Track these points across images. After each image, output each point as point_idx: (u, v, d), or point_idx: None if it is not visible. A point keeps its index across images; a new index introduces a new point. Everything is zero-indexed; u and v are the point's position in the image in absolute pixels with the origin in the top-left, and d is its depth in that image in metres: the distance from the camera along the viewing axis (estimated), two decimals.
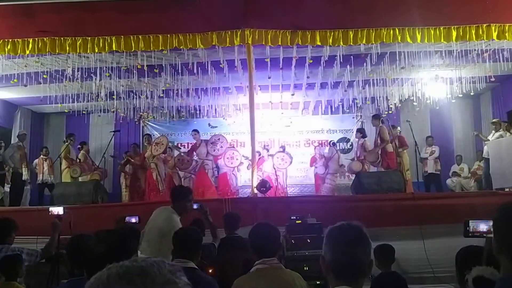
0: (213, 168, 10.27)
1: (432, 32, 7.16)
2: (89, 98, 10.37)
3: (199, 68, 8.83)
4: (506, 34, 7.16)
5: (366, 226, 1.78)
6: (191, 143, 12.16)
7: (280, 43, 7.31)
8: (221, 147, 9.90)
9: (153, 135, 12.97)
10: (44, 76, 8.78)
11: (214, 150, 9.81)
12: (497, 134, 9.25)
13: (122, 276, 0.82)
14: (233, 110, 12.28)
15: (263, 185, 7.81)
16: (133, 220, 4.49)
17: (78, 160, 10.14)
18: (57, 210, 5.02)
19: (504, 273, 1.64)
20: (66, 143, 9.99)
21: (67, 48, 7.31)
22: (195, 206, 4.61)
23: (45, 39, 7.34)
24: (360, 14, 7.26)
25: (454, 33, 7.14)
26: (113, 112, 11.49)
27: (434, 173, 10.87)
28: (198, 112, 12.18)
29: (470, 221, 2.45)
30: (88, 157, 10.42)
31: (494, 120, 9.82)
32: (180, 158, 10.17)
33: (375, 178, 7.82)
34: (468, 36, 7.17)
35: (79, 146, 10.57)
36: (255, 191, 7.39)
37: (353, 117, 13.05)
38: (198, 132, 10.20)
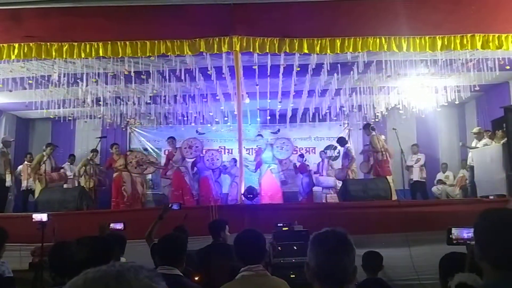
0: (190, 172, 10.31)
1: (418, 41, 7.25)
2: (75, 104, 10.27)
3: (187, 74, 8.83)
4: (490, 44, 7.26)
5: (353, 233, 1.79)
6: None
7: (267, 51, 7.33)
8: (197, 147, 9.94)
9: (140, 141, 12.98)
10: (30, 81, 8.71)
11: (191, 154, 9.83)
12: (482, 142, 9.38)
13: (98, 281, 0.82)
14: (220, 117, 12.27)
15: (250, 192, 7.80)
16: (118, 226, 4.45)
17: (59, 168, 10.07)
18: (41, 217, 4.96)
19: (486, 280, 1.66)
20: (42, 153, 9.78)
21: (53, 53, 7.25)
22: (175, 207, 4.63)
23: (31, 44, 7.27)
24: (347, 23, 7.32)
25: (439, 43, 7.24)
26: (100, 118, 11.40)
27: (419, 181, 10.98)
28: (185, 118, 12.12)
29: (453, 228, 2.47)
30: (51, 160, 10.13)
31: (474, 130, 9.97)
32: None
33: (362, 185, 7.86)
34: (453, 46, 7.28)
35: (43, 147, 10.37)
36: (243, 198, 7.38)
37: (340, 125, 13.11)
38: (174, 139, 10.27)
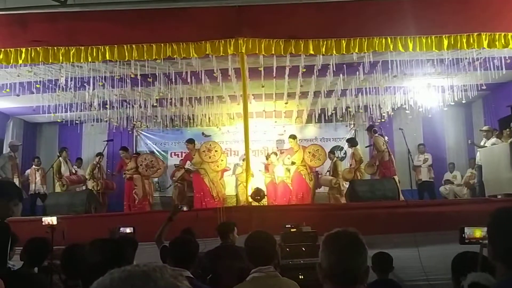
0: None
1: (424, 40, 7.23)
2: (82, 108, 10.34)
3: (193, 77, 8.85)
4: (497, 43, 7.24)
5: (361, 233, 1.79)
6: (184, 152, 12.19)
7: (273, 52, 7.35)
8: (216, 151, 9.97)
9: (146, 144, 13.02)
10: (37, 85, 8.76)
11: (210, 157, 9.86)
12: (491, 141, 9.33)
13: (124, 280, 0.83)
14: (226, 119, 12.30)
15: (258, 193, 7.80)
16: (128, 230, 4.46)
17: (74, 172, 10.22)
18: (50, 220, 4.98)
19: (499, 279, 1.66)
20: (58, 157, 10.00)
21: (60, 57, 7.30)
22: (185, 208, 4.63)
23: (38, 48, 7.33)
24: (352, 23, 7.32)
25: (445, 42, 7.22)
26: (106, 121, 11.45)
27: (428, 181, 10.95)
28: (191, 121, 12.17)
29: (465, 228, 2.47)
30: (67, 164, 10.29)
31: (484, 128, 9.92)
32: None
33: (369, 186, 7.86)
34: (459, 45, 7.26)
35: (58, 153, 10.55)
36: (250, 199, 7.39)
37: (347, 126, 13.09)
38: (194, 141, 10.38)
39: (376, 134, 9.74)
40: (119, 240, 2.79)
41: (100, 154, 10.54)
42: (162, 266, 0.87)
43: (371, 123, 11.51)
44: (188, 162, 10.47)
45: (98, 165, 10.32)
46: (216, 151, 9.99)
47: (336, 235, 1.75)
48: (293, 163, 10.25)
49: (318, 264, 1.76)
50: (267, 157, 11.22)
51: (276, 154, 11.17)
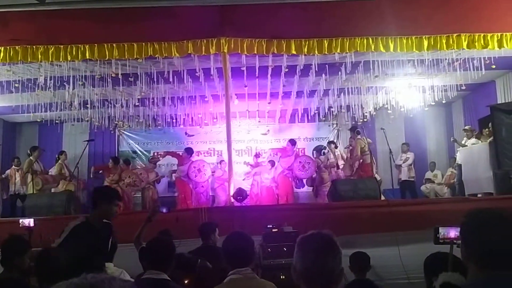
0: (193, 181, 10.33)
1: (405, 41, 7.30)
2: (62, 107, 10.18)
3: (175, 76, 8.79)
4: (476, 44, 7.33)
5: (342, 233, 1.80)
6: (167, 152, 12.09)
7: (255, 52, 7.34)
8: (205, 174, 9.93)
9: (129, 144, 12.90)
10: (16, 85, 8.60)
11: (195, 176, 9.84)
12: (471, 140, 9.46)
13: None
14: (209, 118, 12.26)
15: (240, 193, 7.78)
16: None
17: (46, 172, 9.99)
18: (28, 221, 4.92)
19: (470, 279, 1.67)
20: (30, 158, 9.76)
21: (40, 56, 7.18)
22: (164, 210, 4.60)
23: (17, 47, 7.20)
24: (334, 24, 7.35)
25: (425, 43, 7.29)
26: (87, 121, 11.32)
27: (408, 180, 11.06)
28: (174, 120, 12.10)
29: (440, 228, 2.48)
30: (64, 167, 10.18)
31: (466, 127, 10.05)
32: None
33: (351, 186, 7.89)
34: (439, 46, 7.34)
35: (56, 156, 10.39)
36: (232, 199, 7.37)
37: (329, 125, 13.16)
38: (192, 151, 10.45)
39: (358, 136, 9.71)
40: (89, 244, 2.75)
41: (63, 152, 10.38)
42: (111, 278, 0.85)
43: (353, 123, 11.59)
44: (177, 166, 10.44)
45: (65, 164, 10.14)
46: (204, 174, 9.97)
47: (310, 238, 1.75)
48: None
49: (292, 267, 1.76)
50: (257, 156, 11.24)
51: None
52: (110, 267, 3.73)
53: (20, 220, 5.03)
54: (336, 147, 10.75)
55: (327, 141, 11.54)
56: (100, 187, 6.72)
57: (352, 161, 9.83)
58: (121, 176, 9.95)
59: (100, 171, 10.52)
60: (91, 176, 10.79)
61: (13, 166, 10.32)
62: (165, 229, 4.62)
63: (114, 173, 10.05)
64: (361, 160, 9.54)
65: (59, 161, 10.13)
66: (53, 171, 10.26)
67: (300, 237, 1.78)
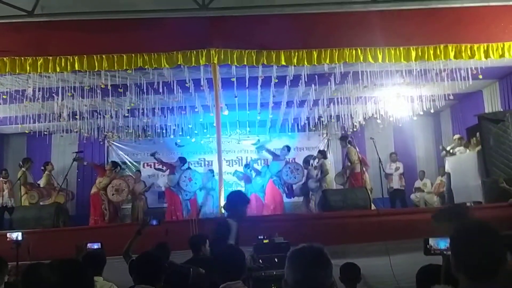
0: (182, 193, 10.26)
1: (393, 52, 7.36)
2: (51, 118, 10.09)
3: (165, 87, 8.75)
4: (463, 54, 7.42)
5: (333, 243, 1.81)
6: (156, 163, 12.05)
7: (245, 63, 7.35)
8: (195, 183, 9.89)
9: (118, 155, 12.81)
10: (4, 96, 8.50)
11: (186, 186, 9.81)
12: (461, 148, 9.55)
13: None
14: (200, 129, 12.23)
15: None
16: (95, 246, 4.37)
17: (37, 185, 9.88)
18: (16, 235, 4.85)
19: None
20: (22, 169, 9.69)
21: (28, 68, 7.11)
22: (154, 223, 4.56)
23: (4, 58, 7.12)
24: (323, 35, 7.40)
25: (413, 53, 7.37)
26: (76, 132, 11.24)
27: (399, 189, 11.13)
28: (164, 131, 12.04)
29: (430, 239, 2.49)
30: (52, 178, 10.10)
31: (456, 137, 10.17)
32: None
33: (341, 195, 7.91)
34: (426, 56, 7.41)
35: (42, 167, 10.29)
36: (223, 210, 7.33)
37: (319, 135, 13.22)
38: (185, 161, 10.39)
39: (349, 145, 9.83)
40: (81, 259, 2.71)
41: (48, 163, 10.28)
42: None
43: (343, 132, 11.64)
44: (168, 175, 10.39)
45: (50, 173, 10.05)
46: (195, 183, 9.95)
47: (301, 251, 1.75)
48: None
49: (283, 280, 1.76)
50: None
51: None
52: (100, 280, 3.69)
53: (8, 234, 4.95)
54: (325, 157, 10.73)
55: (317, 150, 11.55)
56: None
57: (344, 170, 9.88)
58: (111, 183, 9.83)
59: (95, 168, 10.39)
60: (84, 164, 10.65)
61: (1, 178, 10.18)
62: (162, 243, 4.58)
63: (107, 176, 9.96)
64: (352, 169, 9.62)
65: (46, 172, 10.02)
66: (41, 182, 10.17)
67: (291, 250, 1.78)
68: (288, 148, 10.68)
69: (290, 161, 11.02)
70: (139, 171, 11.51)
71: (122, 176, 10.80)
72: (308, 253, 1.73)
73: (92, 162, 11.03)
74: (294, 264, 1.73)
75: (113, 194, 9.62)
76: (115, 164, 10.51)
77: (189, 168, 10.46)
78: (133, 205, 10.77)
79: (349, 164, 9.83)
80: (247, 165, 11.45)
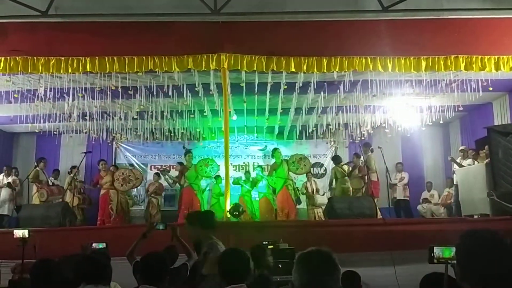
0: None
1: (403, 61, 7.37)
2: (61, 119, 10.19)
3: (174, 90, 8.82)
4: (473, 66, 7.41)
5: (338, 251, 1.79)
6: (164, 166, 12.09)
7: (255, 69, 7.39)
8: (212, 167, 9.88)
9: (126, 157, 12.88)
10: (15, 95, 8.61)
11: (205, 173, 9.80)
12: (468, 161, 9.48)
13: None
14: (208, 133, 12.28)
15: (236, 209, 7.76)
16: (100, 246, 4.38)
17: (52, 184, 10.01)
18: (22, 233, 4.88)
19: None
20: (35, 167, 9.82)
21: (40, 68, 7.20)
22: (160, 227, 4.53)
23: (17, 58, 7.22)
24: (333, 43, 7.42)
25: (423, 63, 7.37)
26: (86, 133, 11.31)
27: (403, 200, 11.06)
28: (172, 134, 12.10)
29: (434, 247, 2.48)
30: (43, 175, 10.12)
31: (462, 148, 10.10)
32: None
33: (347, 203, 7.88)
34: (437, 67, 7.41)
35: (35, 162, 10.35)
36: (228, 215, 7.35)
37: (327, 143, 13.19)
38: (191, 153, 10.49)
39: (371, 153, 9.92)
40: (95, 256, 2.73)
41: (74, 167, 10.35)
42: None
43: (363, 139, 11.54)
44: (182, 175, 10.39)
45: (75, 178, 10.11)
46: (212, 167, 9.96)
47: (309, 255, 1.75)
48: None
49: (290, 283, 1.76)
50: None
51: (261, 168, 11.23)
52: None
53: (14, 231, 4.98)
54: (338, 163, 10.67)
55: (331, 157, 11.50)
56: None
57: (363, 173, 9.89)
58: (114, 176, 9.90)
59: (95, 184, 10.45)
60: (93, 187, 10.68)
61: (13, 176, 10.32)
62: (170, 246, 4.57)
63: (105, 175, 10.03)
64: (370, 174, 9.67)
65: (38, 168, 10.04)
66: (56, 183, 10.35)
67: (299, 253, 1.78)
68: (275, 150, 10.56)
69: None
70: (157, 174, 11.50)
71: (122, 168, 10.91)
72: (316, 257, 1.72)
73: (92, 184, 10.88)
74: (302, 268, 1.72)
75: (122, 185, 9.73)
76: (101, 160, 10.56)
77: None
78: (148, 206, 10.81)
79: (365, 170, 9.85)
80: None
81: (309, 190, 10.53)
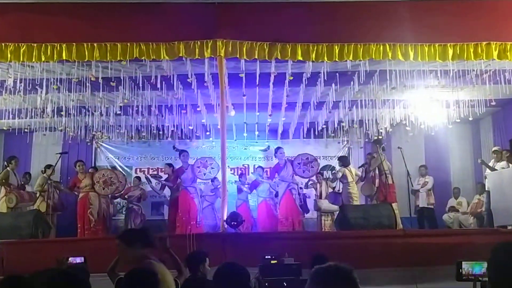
0: (199, 194, 10.39)
1: (426, 49, 7.35)
2: (33, 114, 10.18)
3: (164, 82, 8.83)
4: (508, 54, 7.38)
5: (351, 267, 1.80)
6: (151, 169, 12.09)
7: (256, 57, 7.38)
8: (212, 168, 9.93)
9: (107, 158, 12.90)
10: None
11: (204, 174, 9.85)
12: (501, 164, 9.48)
13: None
14: (202, 131, 12.28)
15: (234, 218, 7.76)
16: (78, 260, 4.39)
17: (22, 186, 10.01)
18: None
19: None
20: (6, 168, 9.82)
21: (9, 55, 7.19)
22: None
23: None
24: (347, 28, 7.43)
25: (450, 51, 7.35)
26: (61, 130, 11.32)
27: (426, 208, 11.04)
28: (161, 132, 12.10)
29: (463, 262, 2.49)
30: (14, 177, 10.11)
31: (495, 149, 10.10)
32: None
33: (363, 212, 7.90)
34: (465, 55, 7.40)
35: (5, 162, 10.36)
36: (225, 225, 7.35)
37: (339, 142, 13.18)
38: (187, 154, 10.54)
39: (382, 152, 9.93)
40: (72, 272, 2.74)
41: (49, 166, 10.35)
42: None
43: (376, 136, 11.56)
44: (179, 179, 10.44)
45: (50, 179, 10.11)
46: (212, 168, 10.00)
47: (327, 271, 1.76)
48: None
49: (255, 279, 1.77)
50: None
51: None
52: None
53: None
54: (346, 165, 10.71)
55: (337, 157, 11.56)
56: None
57: (371, 179, 9.92)
58: (94, 178, 9.93)
59: (71, 187, 10.47)
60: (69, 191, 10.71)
61: None
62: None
63: (83, 178, 10.08)
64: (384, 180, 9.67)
65: (8, 168, 10.05)
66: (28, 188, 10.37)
67: (315, 268, 1.78)
68: (276, 150, 10.67)
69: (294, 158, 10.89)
70: (138, 178, 11.58)
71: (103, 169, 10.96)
72: (334, 274, 1.73)
73: (68, 188, 10.85)
74: (316, 285, 1.73)
75: (103, 188, 9.81)
76: (81, 161, 10.61)
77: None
78: (127, 215, 10.84)
79: (377, 173, 9.88)
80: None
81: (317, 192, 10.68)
